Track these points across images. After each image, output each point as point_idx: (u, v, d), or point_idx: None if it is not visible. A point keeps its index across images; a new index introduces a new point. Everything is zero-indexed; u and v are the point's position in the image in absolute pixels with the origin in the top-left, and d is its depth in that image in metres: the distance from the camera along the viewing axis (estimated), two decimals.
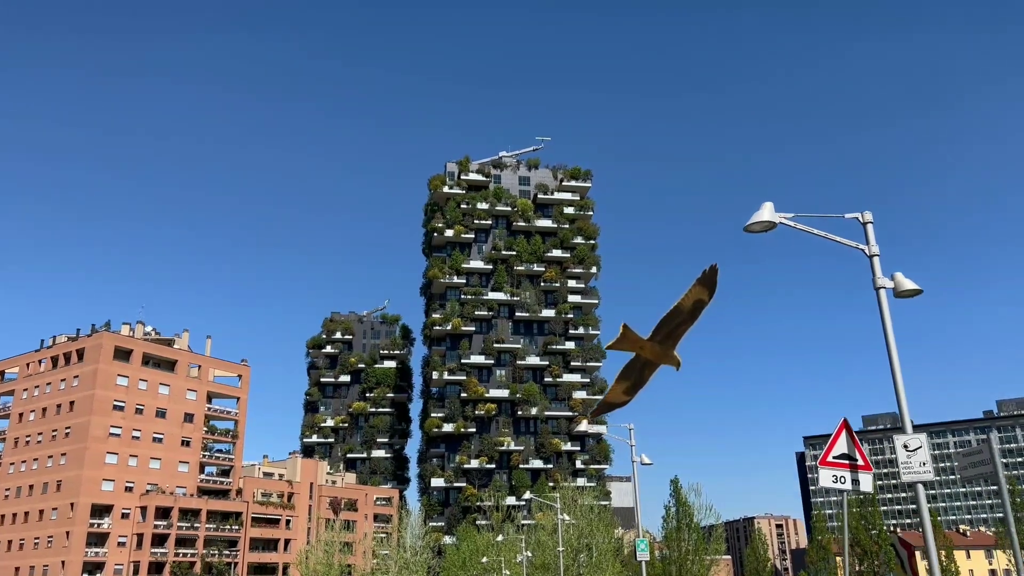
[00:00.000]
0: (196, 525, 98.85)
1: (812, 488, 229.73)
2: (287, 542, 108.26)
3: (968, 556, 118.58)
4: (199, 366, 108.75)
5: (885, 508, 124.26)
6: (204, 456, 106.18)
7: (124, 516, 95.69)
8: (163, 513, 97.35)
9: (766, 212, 11.23)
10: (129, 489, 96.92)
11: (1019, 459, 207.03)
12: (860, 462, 12.13)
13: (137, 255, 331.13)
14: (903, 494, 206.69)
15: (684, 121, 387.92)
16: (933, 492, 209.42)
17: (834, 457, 12.17)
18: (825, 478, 12.23)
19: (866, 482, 12.29)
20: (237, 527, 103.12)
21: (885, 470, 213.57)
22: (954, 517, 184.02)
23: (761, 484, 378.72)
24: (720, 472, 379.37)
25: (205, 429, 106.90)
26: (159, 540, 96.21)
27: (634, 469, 26.64)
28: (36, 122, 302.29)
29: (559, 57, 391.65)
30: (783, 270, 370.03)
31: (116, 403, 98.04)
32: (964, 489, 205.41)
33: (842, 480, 12.11)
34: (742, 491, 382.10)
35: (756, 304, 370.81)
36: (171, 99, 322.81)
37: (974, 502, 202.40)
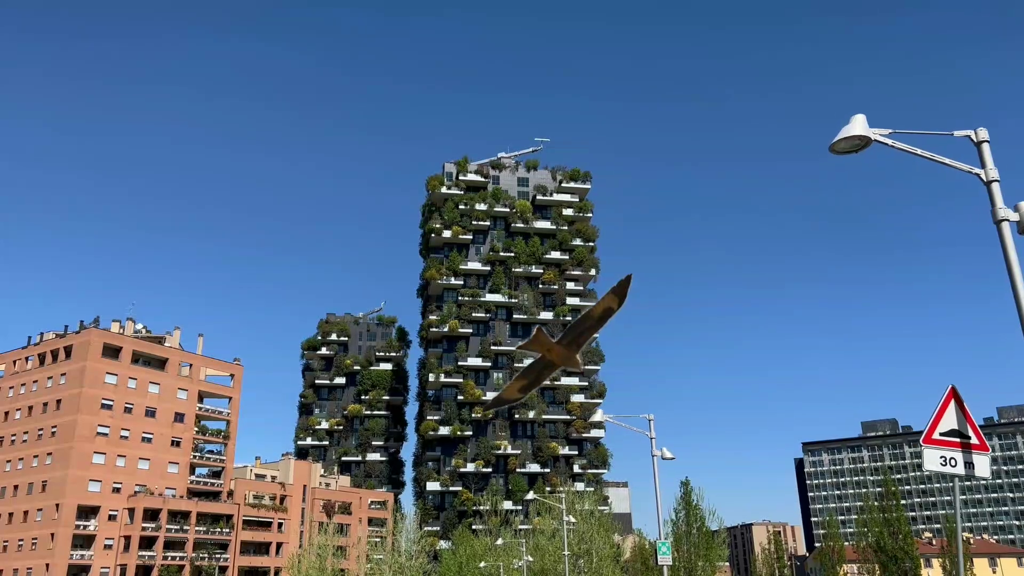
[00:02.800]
0: (185, 528, 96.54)
1: (811, 495, 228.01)
2: (279, 545, 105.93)
3: (971, 563, 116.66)
4: (190, 365, 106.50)
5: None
6: (194, 457, 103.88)
7: (111, 518, 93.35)
8: (151, 515, 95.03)
9: (857, 126, 9.10)
10: (117, 490, 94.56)
11: (1020, 466, 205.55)
12: (974, 440, 9.90)
13: (128, 252, 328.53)
14: (903, 501, 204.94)
15: (685, 122, 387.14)
16: (932, 500, 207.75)
17: (941, 434, 9.91)
18: (931, 460, 9.92)
19: (982, 465, 10.00)
20: (228, 530, 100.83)
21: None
22: (953, 525, 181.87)
23: (758, 490, 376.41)
24: (716, 478, 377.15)
25: (196, 429, 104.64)
26: (147, 543, 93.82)
27: (654, 463, 24.68)
28: (27, 122, 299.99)
29: (558, 58, 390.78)
30: (783, 264, 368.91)
31: (104, 402, 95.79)
32: (964, 496, 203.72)
33: (952, 463, 9.85)
34: (739, 497, 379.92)
35: (751, 304, 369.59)
36: (166, 102, 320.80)
37: (974, 510, 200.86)
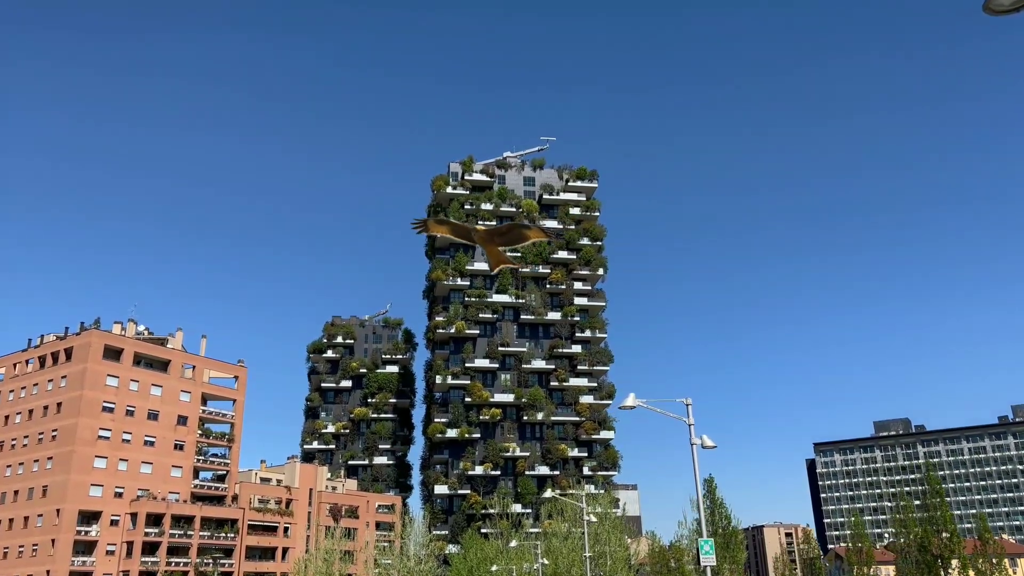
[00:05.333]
0: (189, 533, 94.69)
1: (823, 496, 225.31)
2: (285, 550, 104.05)
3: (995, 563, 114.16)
4: (193, 367, 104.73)
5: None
6: (198, 460, 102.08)
7: (113, 523, 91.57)
8: (154, 520, 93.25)
9: None
10: (119, 495, 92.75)
11: None
12: None
13: (130, 252, 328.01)
14: (915, 501, 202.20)
15: (692, 119, 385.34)
16: (948, 500, 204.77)
17: None
18: None
19: None
20: (233, 535, 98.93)
21: (898, 477, 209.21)
22: (970, 525, 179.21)
23: (768, 492, 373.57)
24: (726, 479, 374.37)
25: (199, 432, 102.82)
26: (150, 548, 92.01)
27: (693, 452, 22.80)
28: (29, 119, 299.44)
29: (563, 57, 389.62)
30: (792, 264, 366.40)
31: (106, 404, 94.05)
32: (980, 497, 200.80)
33: None
34: (749, 499, 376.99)
35: (760, 303, 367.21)
36: (173, 99, 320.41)
37: (990, 509, 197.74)
